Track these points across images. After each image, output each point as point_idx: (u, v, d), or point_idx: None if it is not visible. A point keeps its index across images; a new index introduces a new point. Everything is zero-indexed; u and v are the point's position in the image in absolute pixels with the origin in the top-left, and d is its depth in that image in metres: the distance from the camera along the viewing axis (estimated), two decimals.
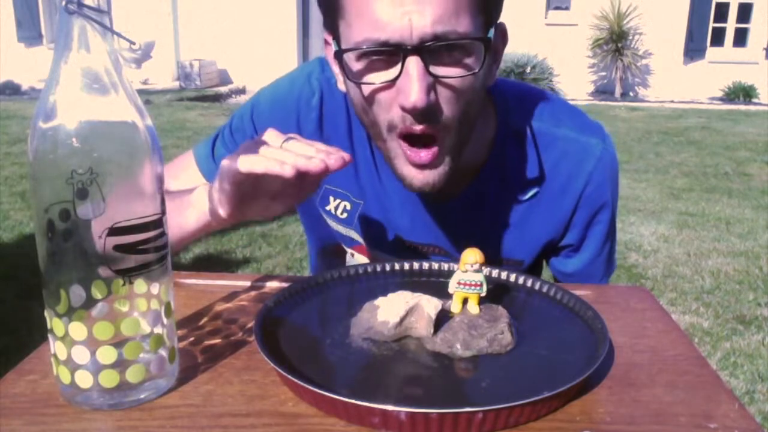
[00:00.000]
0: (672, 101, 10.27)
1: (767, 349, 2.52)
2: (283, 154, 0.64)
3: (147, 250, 0.53)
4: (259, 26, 10.61)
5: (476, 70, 0.72)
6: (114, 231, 0.51)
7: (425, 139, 0.74)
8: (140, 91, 6.76)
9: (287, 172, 0.62)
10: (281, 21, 10.63)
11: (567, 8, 10.83)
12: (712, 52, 10.87)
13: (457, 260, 0.66)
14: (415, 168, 0.75)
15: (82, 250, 0.50)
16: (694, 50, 10.81)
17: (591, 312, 0.67)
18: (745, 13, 10.81)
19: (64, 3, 0.48)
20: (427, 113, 0.71)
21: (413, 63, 0.68)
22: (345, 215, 0.95)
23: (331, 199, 0.94)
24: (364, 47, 0.70)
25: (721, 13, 10.80)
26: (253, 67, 10.60)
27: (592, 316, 0.66)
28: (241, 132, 0.95)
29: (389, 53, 0.70)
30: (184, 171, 0.97)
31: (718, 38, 10.90)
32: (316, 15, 11.06)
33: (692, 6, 10.62)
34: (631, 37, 10.48)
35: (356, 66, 0.73)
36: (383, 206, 0.92)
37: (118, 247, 0.51)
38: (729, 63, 10.79)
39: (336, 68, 0.80)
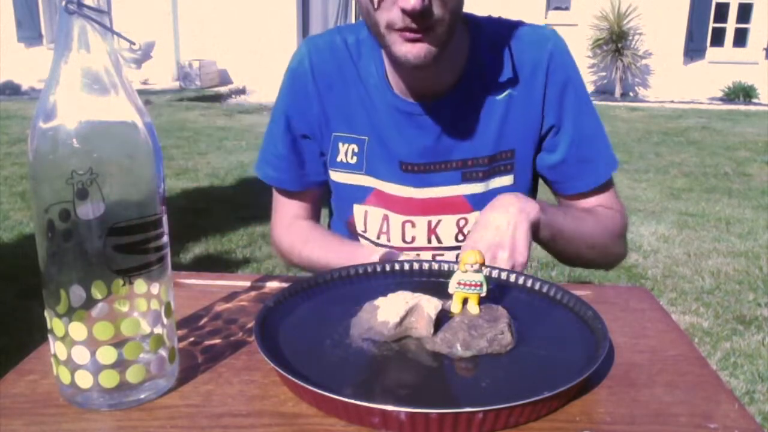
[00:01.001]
0: (672, 101, 10.26)
1: (767, 349, 2.52)
2: None
3: (147, 250, 0.53)
4: (259, 26, 10.61)
5: None
6: (114, 231, 0.51)
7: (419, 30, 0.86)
8: (140, 91, 6.76)
9: None
10: (281, 21, 10.62)
11: (567, 8, 10.82)
12: (712, 52, 10.86)
13: (461, 167, 0.83)
14: (409, 43, 0.86)
15: (82, 250, 0.50)
16: (694, 50, 10.80)
17: (591, 312, 0.67)
18: (745, 13, 10.80)
19: (64, 3, 0.48)
20: (422, 13, 0.82)
21: None
22: (354, 159, 1.04)
23: (340, 145, 1.05)
24: None
25: (721, 13, 10.80)
26: (253, 67, 10.60)
27: (592, 316, 0.66)
28: (288, 148, 1.08)
29: None
30: (275, 204, 1.14)
31: (718, 38, 10.90)
32: (316, 15, 11.07)
33: (692, 6, 10.61)
34: (631, 37, 10.48)
35: None
36: (383, 135, 1.02)
37: (118, 247, 0.51)
38: (729, 63, 10.78)
39: None
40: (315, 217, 1.15)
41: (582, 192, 1.06)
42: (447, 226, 1.03)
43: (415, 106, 0.99)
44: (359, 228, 1.08)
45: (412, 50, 0.86)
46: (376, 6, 0.85)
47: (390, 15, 0.84)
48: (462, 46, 0.98)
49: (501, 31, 1.02)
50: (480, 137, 1.01)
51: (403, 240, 1.04)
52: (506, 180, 1.04)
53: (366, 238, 1.08)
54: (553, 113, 1.02)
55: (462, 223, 1.03)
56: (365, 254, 0.97)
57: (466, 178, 1.02)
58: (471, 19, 1.02)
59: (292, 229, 1.12)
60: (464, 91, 1.00)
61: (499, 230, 0.85)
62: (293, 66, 1.07)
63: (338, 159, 1.06)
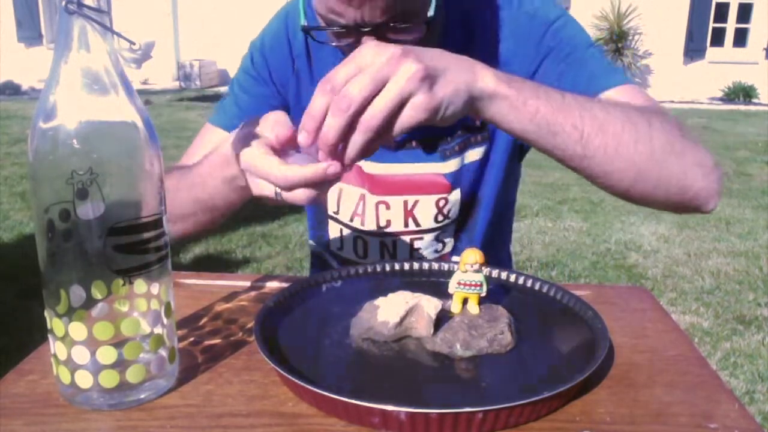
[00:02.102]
0: (672, 101, 10.26)
1: (767, 349, 2.52)
2: (289, 179, 0.60)
3: (147, 250, 0.53)
4: (259, 26, 10.59)
5: (422, 37, 0.78)
6: (114, 231, 0.50)
7: None
8: (140, 91, 6.75)
9: (297, 199, 0.61)
10: None
11: (567, 8, 10.82)
12: (712, 52, 10.87)
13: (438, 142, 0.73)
14: None
15: (82, 250, 0.50)
16: (694, 50, 10.81)
17: (591, 312, 0.67)
18: (745, 13, 10.81)
19: (64, 3, 0.48)
20: None
21: (369, 38, 0.76)
22: None
23: None
24: (327, 24, 0.78)
25: (721, 13, 10.80)
26: None
27: (592, 316, 0.66)
28: (248, 93, 0.99)
29: (347, 31, 0.78)
30: (201, 141, 1.01)
31: (718, 38, 10.90)
32: None
33: (692, 6, 10.62)
34: (631, 37, 10.48)
35: (322, 29, 0.80)
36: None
37: (118, 247, 0.51)
38: (729, 63, 10.79)
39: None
40: None
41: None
42: (425, 207, 0.97)
43: None
44: (331, 208, 1.01)
45: None
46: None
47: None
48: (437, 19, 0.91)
49: None
50: None
51: (378, 224, 0.98)
52: (483, 149, 0.95)
53: (337, 221, 1.02)
54: (534, 71, 0.87)
55: (442, 203, 0.97)
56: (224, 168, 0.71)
57: (446, 156, 0.95)
58: None
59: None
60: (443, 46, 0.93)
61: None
62: (281, 19, 0.99)
63: None
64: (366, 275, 0.78)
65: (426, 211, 0.97)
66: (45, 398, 0.56)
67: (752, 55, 10.79)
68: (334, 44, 0.82)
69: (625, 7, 10.31)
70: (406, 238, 0.99)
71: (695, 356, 0.64)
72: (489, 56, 0.91)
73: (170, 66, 11.36)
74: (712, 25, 10.78)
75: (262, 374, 0.59)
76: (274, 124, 0.62)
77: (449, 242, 1.01)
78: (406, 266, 0.80)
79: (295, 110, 0.98)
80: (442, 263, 0.80)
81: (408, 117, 0.57)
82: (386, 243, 1.01)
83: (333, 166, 0.57)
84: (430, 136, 0.96)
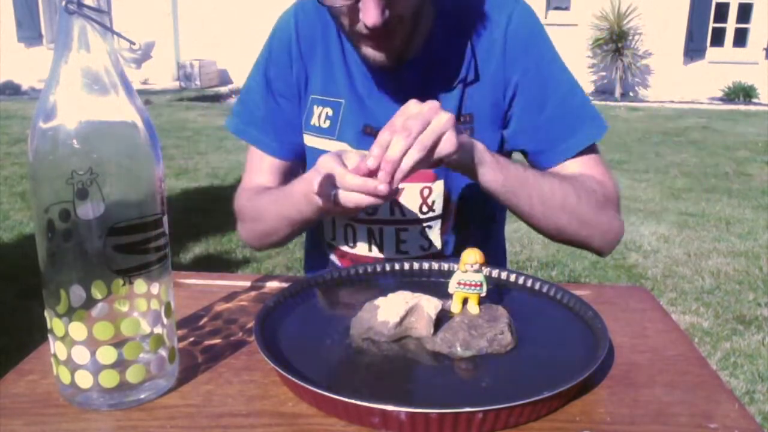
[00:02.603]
0: (672, 101, 10.26)
1: (767, 349, 2.52)
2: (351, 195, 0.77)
3: (147, 250, 0.53)
4: (259, 26, 10.60)
5: None
6: (114, 231, 0.50)
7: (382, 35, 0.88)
8: (140, 91, 6.76)
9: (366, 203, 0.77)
10: None
11: (567, 8, 10.83)
12: (712, 52, 10.86)
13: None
14: (374, 49, 0.91)
15: (82, 250, 0.50)
16: (694, 50, 10.81)
17: (591, 312, 0.67)
18: (745, 13, 10.80)
19: (64, 3, 0.48)
20: (383, 25, 0.84)
21: None
22: (327, 123, 1.03)
23: (315, 108, 1.04)
24: None
25: (721, 13, 10.80)
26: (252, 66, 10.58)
27: (592, 316, 0.66)
28: (268, 107, 1.07)
29: None
30: (250, 164, 1.11)
31: (718, 38, 10.90)
32: None
33: (692, 6, 10.62)
34: (631, 37, 10.48)
35: None
36: (357, 100, 1.01)
37: (118, 247, 0.51)
38: (729, 63, 10.78)
39: None
40: None
41: (559, 162, 0.99)
42: (410, 195, 1.00)
43: (383, 72, 0.99)
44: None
45: (377, 55, 0.91)
46: (344, 19, 0.87)
47: (354, 21, 0.86)
48: (428, 9, 0.98)
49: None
50: (443, 101, 0.98)
51: (366, 212, 1.01)
52: None
53: None
54: (515, 77, 0.98)
55: (426, 192, 1.00)
56: (303, 183, 0.91)
57: None
58: None
59: (250, 192, 1.08)
60: (430, 54, 0.98)
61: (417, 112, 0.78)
62: (278, 27, 1.07)
63: (312, 122, 1.05)
64: (366, 275, 0.78)
65: (411, 199, 1.00)
66: (45, 398, 0.56)
67: (752, 55, 10.79)
68: (337, 4, 0.85)
69: (625, 7, 10.31)
70: (392, 228, 1.02)
71: (695, 356, 0.64)
72: (472, 66, 0.99)
73: (170, 66, 11.36)
74: (712, 25, 10.77)
75: (262, 374, 0.59)
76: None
77: (436, 240, 1.03)
78: (406, 266, 0.80)
79: (291, 103, 1.06)
80: (442, 263, 0.80)
81: (442, 147, 0.77)
82: (373, 231, 1.02)
83: (384, 186, 0.73)
84: None
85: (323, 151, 1.02)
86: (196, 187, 4.71)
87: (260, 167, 1.09)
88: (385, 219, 1.01)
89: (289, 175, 1.10)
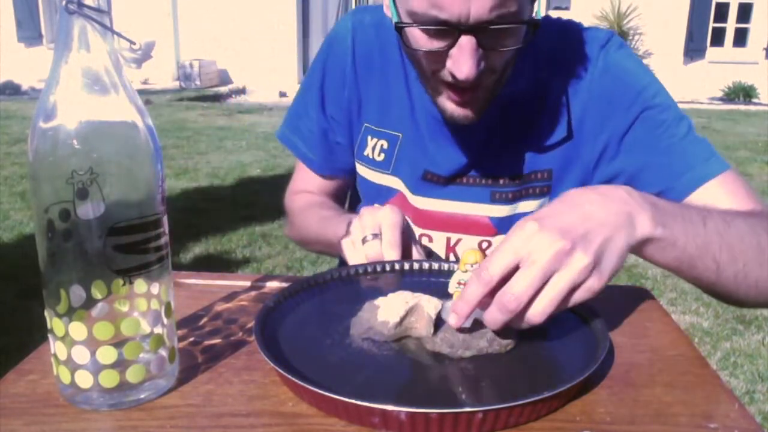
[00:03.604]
0: None
1: (767, 349, 2.52)
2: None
3: (147, 250, 0.53)
4: (259, 26, 10.61)
5: (521, 45, 0.77)
6: (114, 231, 0.50)
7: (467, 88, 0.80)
8: (140, 91, 6.75)
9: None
10: (281, 21, 10.63)
11: (567, 8, 10.83)
12: (712, 52, 10.87)
13: (490, 184, 0.85)
14: (456, 105, 0.82)
15: (82, 250, 0.50)
16: (694, 50, 10.81)
17: (591, 312, 0.66)
18: (745, 13, 10.81)
19: (64, 3, 0.48)
20: (474, 80, 0.76)
21: (467, 40, 0.73)
22: (382, 156, 0.97)
23: (369, 138, 0.98)
24: (421, 23, 0.74)
25: (721, 13, 10.81)
26: (253, 67, 10.60)
27: (592, 316, 0.66)
28: (318, 124, 1.02)
29: (445, 29, 0.73)
30: (297, 170, 1.09)
31: (718, 38, 10.90)
32: (315, 15, 11.07)
33: (692, 6, 10.62)
34: (631, 37, 10.48)
35: (411, 28, 0.76)
36: (418, 138, 0.94)
37: (118, 247, 0.51)
38: (729, 63, 10.79)
39: (388, 13, 0.84)
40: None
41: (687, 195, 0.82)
42: (468, 246, 0.95)
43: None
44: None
45: (458, 111, 0.82)
46: (426, 65, 0.79)
47: (438, 68, 0.78)
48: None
49: (548, 38, 0.90)
50: (514, 154, 0.92)
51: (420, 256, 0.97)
52: (540, 203, 0.93)
53: None
54: (610, 136, 0.88)
55: (484, 245, 0.94)
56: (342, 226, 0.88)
57: (494, 199, 0.93)
58: None
59: (300, 197, 1.08)
60: (503, 107, 0.90)
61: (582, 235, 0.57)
62: (334, 38, 0.98)
63: (365, 153, 0.99)
64: (366, 275, 0.78)
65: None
66: (45, 398, 0.56)
67: (752, 55, 10.79)
68: (425, 49, 0.76)
69: (625, 7, 10.31)
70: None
71: (695, 356, 0.64)
72: (559, 121, 0.90)
73: (170, 66, 11.36)
74: (712, 25, 10.78)
75: (262, 374, 0.59)
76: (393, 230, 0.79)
77: None
78: (406, 266, 0.80)
79: (341, 126, 1.00)
80: (442, 263, 0.80)
81: (578, 298, 0.57)
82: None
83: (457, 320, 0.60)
84: (484, 176, 0.94)
85: (376, 184, 0.99)
86: (196, 187, 4.71)
87: (306, 178, 1.07)
88: None
89: (337, 189, 1.08)
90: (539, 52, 0.90)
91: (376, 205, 0.86)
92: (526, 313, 0.57)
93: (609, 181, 0.90)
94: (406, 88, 0.94)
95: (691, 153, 0.85)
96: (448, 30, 0.73)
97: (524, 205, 0.94)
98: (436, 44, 0.75)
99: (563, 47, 0.91)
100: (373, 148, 0.97)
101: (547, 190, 0.93)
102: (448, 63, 0.76)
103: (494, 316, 0.57)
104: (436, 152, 0.94)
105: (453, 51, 0.74)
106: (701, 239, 0.67)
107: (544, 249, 0.55)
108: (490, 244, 0.95)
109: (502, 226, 0.94)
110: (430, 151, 0.94)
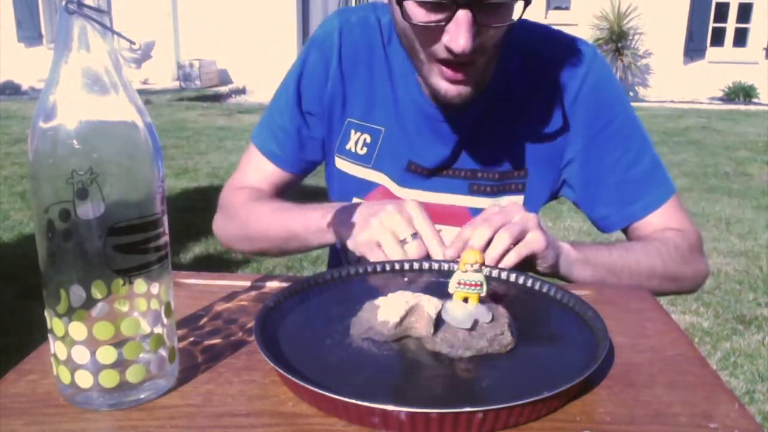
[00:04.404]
0: (672, 101, 10.27)
1: (767, 349, 2.52)
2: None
3: (147, 250, 0.53)
4: (259, 26, 10.61)
5: (515, 20, 0.79)
6: (114, 231, 0.51)
7: (461, 63, 0.82)
8: (140, 91, 6.75)
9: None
10: (281, 21, 10.63)
11: (567, 8, 10.83)
12: (712, 52, 10.87)
13: (469, 177, 0.90)
14: (449, 82, 0.84)
15: (82, 250, 0.50)
16: (694, 50, 10.81)
17: (591, 312, 0.67)
18: (745, 13, 10.81)
19: (64, 3, 0.48)
20: (469, 54, 0.79)
21: (464, 14, 0.75)
22: (364, 150, 0.99)
23: (352, 132, 1.00)
24: None
25: (721, 13, 10.81)
26: (253, 67, 10.60)
27: (592, 316, 0.66)
28: (292, 120, 1.02)
29: (443, 2, 0.76)
30: (252, 166, 1.08)
31: (718, 38, 10.91)
32: (315, 15, 11.07)
33: (692, 6, 10.62)
34: (631, 37, 10.48)
35: (409, 2, 0.79)
36: (401, 131, 0.97)
37: (118, 247, 0.51)
38: (729, 63, 10.79)
39: None
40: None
41: (623, 226, 0.98)
42: (446, 238, 0.96)
43: (437, 111, 0.94)
44: None
45: (451, 89, 0.84)
46: (422, 40, 0.81)
47: (433, 48, 0.81)
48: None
49: (535, 42, 0.95)
50: (494, 150, 0.96)
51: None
52: (516, 200, 0.98)
53: None
54: (581, 139, 0.95)
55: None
56: (328, 215, 0.90)
57: (473, 190, 0.97)
58: None
59: (244, 191, 1.06)
60: (487, 103, 0.94)
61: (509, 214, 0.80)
62: (319, 36, 1.00)
63: (347, 146, 1.00)
64: (366, 275, 0.78)
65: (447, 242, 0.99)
66: (45, 398, 0.56)
67: (752, 55, 10.79)
68: (423, 21, 0.79)
69: (625, 7, 10.31)
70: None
71: (695, 356, 0.64)
72: (542, 123, 0.95)
73: (170, 66, 11.36)
74: (712, 25, 10.78)
75: (262, 374, 0.59)
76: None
77: None
78: (406, 266, 0.80)
79: (322, 121, 1.01)
80: (442, 263, 0.80)
81: (531, 242, 0.78)
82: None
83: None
84: (463, 168, 0.97)
85: (356, 178, 1.00)
86: (196, 187, 4.71)
87: (260, 169, 1.06)
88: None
89: (288, 186, 1.08)
90: (526, 53, 0.94)
91: (386, 201, 0.85)
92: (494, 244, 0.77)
93: (568, 186, 1.00)
94: (390, 84, 0.97)
95: (643, 182, 0.97)
96: (446, 4, 0.76)
97: (503, 200, 0.98)
98: (434, 17, 0.78)
99: (552, 53, 0.94)
100: (356, 142, 1.00)
101: (522, 187, 0.98)
102: (444, 38, 0.78)
103: (479, 233, 0.78)
104: (421, 144, 0.97)
105: (450, 26, 0.77)
106: (609, 264, 0.88)
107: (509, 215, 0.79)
108: None
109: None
110: (416, 143, 0.97)
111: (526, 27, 0.94)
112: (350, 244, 0.83)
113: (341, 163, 1.02)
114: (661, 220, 0.97)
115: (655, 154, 0.98)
